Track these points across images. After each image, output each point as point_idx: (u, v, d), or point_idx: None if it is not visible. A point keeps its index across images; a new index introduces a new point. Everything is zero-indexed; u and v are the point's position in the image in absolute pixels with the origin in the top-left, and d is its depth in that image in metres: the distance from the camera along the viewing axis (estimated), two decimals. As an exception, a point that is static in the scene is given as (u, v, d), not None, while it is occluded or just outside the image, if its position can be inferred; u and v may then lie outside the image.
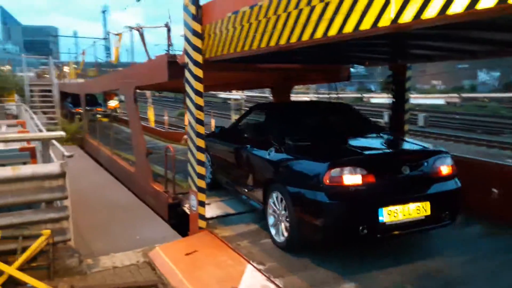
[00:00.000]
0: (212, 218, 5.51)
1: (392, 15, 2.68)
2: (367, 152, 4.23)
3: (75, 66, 16.65)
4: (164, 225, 6.00)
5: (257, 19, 3.94)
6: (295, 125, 5.06)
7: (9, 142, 4.36)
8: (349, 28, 3.00)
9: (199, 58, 4.97)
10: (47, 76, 22.12)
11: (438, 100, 16.42)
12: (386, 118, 25.70)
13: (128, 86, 7.87)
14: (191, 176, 5.22)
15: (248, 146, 5.19)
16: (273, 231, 4.58)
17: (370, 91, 53.98)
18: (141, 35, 7.88)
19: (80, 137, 14.08)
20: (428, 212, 4.03)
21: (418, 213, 3.99)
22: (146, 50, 7.96)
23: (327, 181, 3.79)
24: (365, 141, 4.73)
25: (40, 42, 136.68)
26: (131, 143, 8.88)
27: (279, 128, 4.82)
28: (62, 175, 4.13)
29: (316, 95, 17.79)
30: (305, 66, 7.03)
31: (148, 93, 24.71)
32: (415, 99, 15.07)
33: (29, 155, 4.32)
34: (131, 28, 8.00)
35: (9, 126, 6.92)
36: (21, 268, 3.72)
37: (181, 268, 4.28)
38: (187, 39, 5.07)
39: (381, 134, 5.08)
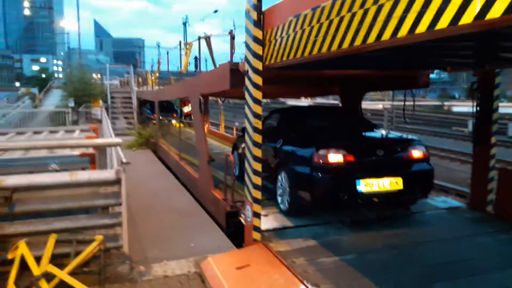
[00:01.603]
0: (268, 230, 5.25)
1: (477, 10, 2.22)
2: (349, 140, 5.60)
3: (151, 75, 17.44)
4: (220, 234, 5.85)
5: (319, 22, 3.63)
6: (299, 123, 6.37)
7: (65, 148, 4.48)
8: (422, 27, 2.58)
9: (259, 65, 4.76)
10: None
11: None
12: (470, 127, 24.05)
13: (194, 94, 7.94)
14: (247, 186, 5.02)
15: (266, 140, 5.59)
16: (279, 200, 5.90)
17: (453, 98, 50.33)
18: (208, 44, 7.89)
19: (154, 142, 14.65)
20: (401, 187, 5.25)
21: (391, 186, 5.23)
22: (212, 59, 7.97)
23: (316, 159, 5.17)
24: (353, 134, 6.07)
25: (128, 53, 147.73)
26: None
27: (287, 126, 6.05)
28: (117, 181, 4.14)
29: (391, 102, 16.78)
30: (377, 72, 6.52)
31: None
32: (506, 108, 13.54)
33: (89, 161, 4.40)
34: (199, 37, 8.03)
35: (82, 131, 7.27)
36: (73, 272, 3.75)
37: (230, 284, 4.07)
38: (247, 46, 4.90)
39: (373, 130, 6.40)
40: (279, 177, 5.83)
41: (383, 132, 6.50)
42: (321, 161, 5.13)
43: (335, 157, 5.14)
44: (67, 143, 4.52)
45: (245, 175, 5.03)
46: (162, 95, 13.37)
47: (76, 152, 4.50)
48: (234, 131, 14.99)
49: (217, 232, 5.94)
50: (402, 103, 7.62)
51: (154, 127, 15.40)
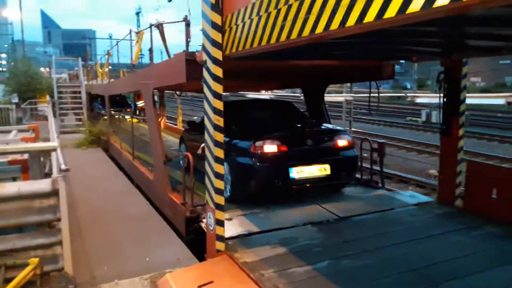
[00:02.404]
0: (232, 238, 4.78)
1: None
2: (281, 132, 5.91)
3: (101, 67, 16.33)
4: (180, 243, 5.32)
5: (287, 3, 3.16)
6: (239, 117, 6.54)
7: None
8: (391, 12, 2.20)
9: (218, 54, 4.24)
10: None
11: (497, 100, 15.08)
12: (423, 117, 24.88)
13: (147, 88, 7.29)
14: (208, 191, 4.51)
15: None
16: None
17: (405, 88, 51.68)
18: (161, 32, 7.25)
19: (105, 140, 13.72)
20: (328, 172, 5.87)
21: (320, 172, 5.84)
22: (166, 48, 7.35)
23: (253, 150, 5.60)
24: (286, 126, 6.42)
25: (78, 44, 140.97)
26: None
27: (228, 120, 5.85)
28: (54, 193, 3.50)
29: (352, 95, 16.71)
30: (341, 62, 6.18)
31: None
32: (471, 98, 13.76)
33: (20, 170, 3.72)
34: (151, 25, 7.35)
35: (20, 131, 6.45)
36: (1, 305, 3.12)
37: (192, 306, 3.57)
38: (205, 33, 4.36)
39: (305, 121, 6.88)
40: (224, 168, 6.10)
41: (314, 124, 6.95)
42: (258, 151, 5.61)
43: (270, 148, 5.64)
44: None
45: (205, 178, 4.53)
46: (113, 89, 12.48)
47: (5, 159, 3.79)
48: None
49: (175, 241, 5.40)
50: (359, 95, 7.40)
51: (106, 124, 14.44)
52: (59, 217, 3.52)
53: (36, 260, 3.36)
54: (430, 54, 5.86)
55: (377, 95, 7.25)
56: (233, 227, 5.07)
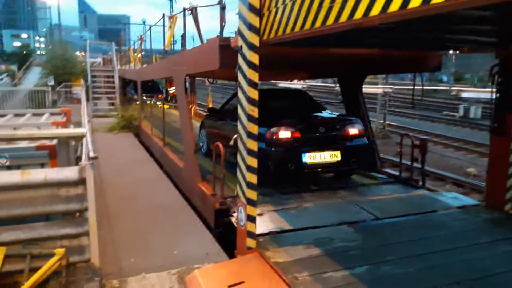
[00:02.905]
0: (264, 234, 4.55)
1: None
2: (295, 119, 6.13)
3: (134, 52, 16.34)
4: (209, 237, 5.14)
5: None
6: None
7: (15, 140, 3.65)
8: None
9: (255, 40, 3.97)
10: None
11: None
12: (461, 112, 23.84)
13: (179, 74, 7.10)
14: (239, 184, 4.28)
15: (228, 119, 6.86)
16: None
17: (440, 82, 49.63)
18: (195, 16, 7.00)
19: (137, 125, 13.75)
20: (339, 158, 6.04)
21: (331, 158, 6.02)
22: (199, 33, 7.10)
23: (268, 135, 5.84)
24: (300, 114, 6.61)
25: (113, 29, 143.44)
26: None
27: None
28: (81, 181, 3.35)
29: (391, 87, 16.01)
30: (384, 51, 5.77)
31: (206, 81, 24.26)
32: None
33: (48, 155, 3.60)
34: (184, 8, 7.12)
35: (52, 114, 6.40)
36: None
37: (220, 308, 3.38)
38: (241, 17, 4.09)
39: (319, 111, 7.02)
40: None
41: (327, 112, 7.08)
42: (273, 137, 5.87)
43: (284, 134, 5.92)
44: (14, 133, 3.69)
45: (237, 171, 4.30)
46: (145, 74, 12.41)
47: (33, 144, 3.68)
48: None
49: (204, 234, 5.22)
50: (395, 87, 6.95)
51: (137, 109, 14.46)
52: (86, 207, 3.38)
53: (62, 250, 3.24)
54: (484, 44, 5.37)
55: (418, 87, 6.79)
56: (264, 223, 4.83)
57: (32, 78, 31.41)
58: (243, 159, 4.16)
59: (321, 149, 5.97)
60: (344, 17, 2.72)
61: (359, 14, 2.57)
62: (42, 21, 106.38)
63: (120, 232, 5.11)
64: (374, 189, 6.55)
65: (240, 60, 4.12)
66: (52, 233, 3.34)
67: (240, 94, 4.18)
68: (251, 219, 4.15)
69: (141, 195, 6.67)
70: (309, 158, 5.92)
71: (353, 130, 6.30)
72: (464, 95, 11.69)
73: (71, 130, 4.06)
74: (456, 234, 4.69)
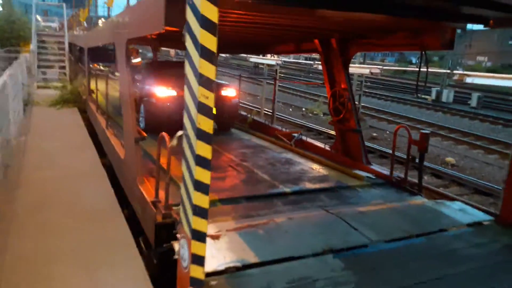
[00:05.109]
0: (217, 273, 3.17)
1: None
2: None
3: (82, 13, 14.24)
4: (139, 266, 3.70)
5: None
6: (153, 72, 9.14)
7: None
8: None
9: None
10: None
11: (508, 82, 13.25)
12: (433, 95, 23.34)
13: (119, 39, 5.49)
14: (182, 204, 2.86)
15: (138, 83, 8.59)
16: (140, 121, 8.25)
17: (410, 63, 48.42)
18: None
19: (84, 99, 11.89)
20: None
21: None
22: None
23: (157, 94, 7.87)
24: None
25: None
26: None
27: (147, 73, 9.04)
28: None
29: (379, 67, 14.68)
30: (386, 18, 4.38)
31: (172, 51, 22.27)
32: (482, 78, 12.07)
33: None
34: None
35: None
36: None
37: None
38: None
39: None
40: (141, 107, 8.26)
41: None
42: (160, 95, 7.76)
43: (169, 92, 7.80)
44: None
45: (182, 184, 2.87)
46: (90, 41, 10.51)
47: None
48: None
49: (135, 261, 3.78)
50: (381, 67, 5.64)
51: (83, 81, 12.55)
52: None
53: None
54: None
55: (422, 69, 5.49)
56: (219, 252, 3.45)
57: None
58: (189, 169, 2.73)
59: None
60: None
61: None
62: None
63: (13, 257, 3.59)
64: (362, 194, 5.32)
65: (189, 13, 2.63)
66: None
67: (187, 69, 2.70)
68: (198, 260, 2.74)
69: (64, 196, 5.11)
70: None
71: (225, 93, 8.55)
72: (468, 80, 10.53)
73: None
74: (480, 271, 3.50)
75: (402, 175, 5.61)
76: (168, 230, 3.92)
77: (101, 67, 15.58)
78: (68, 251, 3.82)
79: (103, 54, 14.95)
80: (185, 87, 2.74)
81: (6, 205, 4.67)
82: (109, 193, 5.31)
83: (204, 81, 2.55)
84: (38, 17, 30.80)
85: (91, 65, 15.13)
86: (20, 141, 7.54)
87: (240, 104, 11.57)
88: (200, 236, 2.73)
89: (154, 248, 4.10)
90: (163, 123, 6.64)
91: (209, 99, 2.58)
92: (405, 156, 5.74)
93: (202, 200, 2.68)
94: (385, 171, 5.99)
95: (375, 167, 6.26)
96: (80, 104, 11.89)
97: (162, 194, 4.15)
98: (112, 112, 8.23)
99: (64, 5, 18.30)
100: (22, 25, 22.93)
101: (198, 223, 2.71)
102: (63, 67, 17.60)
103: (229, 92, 8.64)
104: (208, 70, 2.56)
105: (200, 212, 2.69)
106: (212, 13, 2.49)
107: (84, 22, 13.37)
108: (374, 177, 5.87)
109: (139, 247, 4.55)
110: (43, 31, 20.31)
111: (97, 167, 6.40)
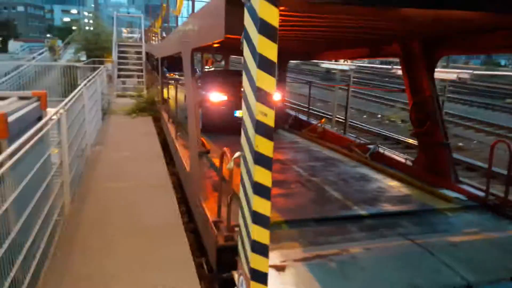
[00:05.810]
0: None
1: None
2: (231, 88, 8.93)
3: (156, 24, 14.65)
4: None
5: None
6: (209, 80, 9.91)
7: None
8: None
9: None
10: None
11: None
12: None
13: (185, 49, 5.34)
14: (241, 242, 2.49)
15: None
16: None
17: (498, 65, 45.20)
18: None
19: (158, 108, 12.16)
20: None
21: None
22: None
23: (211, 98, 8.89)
24: (235, 85, 8.70)
25: (159, 6, 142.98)
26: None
27: (203, 81, 9.67)
28: None
29: (466, 71, 13.34)
30: (481, 18, 3.69)
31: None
32: None
33: None
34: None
35: (21, 98, 4.85)
36: None
37: None
38: None
39: None
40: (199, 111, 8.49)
41: None
42: (214, 100, 8.80)
43: (222, 97, 8.83)
44: None
45: (240, 217, 2.50)
46: (163, 50, 10.71)
47: None
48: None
49: (190, 284, 3.48)
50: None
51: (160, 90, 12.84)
52: None
53: None
54: None
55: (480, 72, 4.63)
56: (283, 287, 3.04)
57: (72, 53, 30.87)
58: (246, 197, 2.36)
59: None
60: None
61: None
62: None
63: (72, 277, 3.47)
64: (452, 220, 4.57)
65: (247, 19, 2.27)
66: None
67: (244, 79, 2.34)
68: (257, 305, 2.36)
69: (127, 211, 5.00)
70: (239, 114, 7.95)
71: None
72: None
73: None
74: None
75: (499, 195, 4.77)
76: (230, 253, 3.59)
77: (177, 76, 15.98)
78: (122, 271, 3.63)
79: (179, 63, 15.24)
80: (243, 102, 2.39)
81: (73, 217, 4.69)
82: (173, 208, 5.13)
83: (262, 96, 2.17)
84: (123, 29, 32.95)
85: (167, 74, 15.60)
86: (94, 151, 7.75)
87: (311, 111, 11.07)
88: (259, 277, 2.34)
89: (217, 272, 3.80)
90: (216, 123, 8.34)
91: (268, 116, 2.19)
92: (500, 172, 4.88)
93: (262, 236, 2.29)
94: (478, 191, 5.16)
95: (466, 186, 5.42)
96: (155, 113, 12.19)
97: (224, 211, 3.84)
98: (181, 121, 8.19)
99: (142, 16, 19.13)
100: (106, 37, 24.48)
101: (257, 262, 2.32)
102: (141, 76, 18.40)
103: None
104: (267, 83, 2.18)
105: (259, 249, 2.30)
106: (272, 16, 2.10)
107: (160, 32, 13.73)
108: (465, 198, 5.07)
109: (202, 268, 4.31)
110: (125, 42, 21.41)
111: (164, 179, 6.29)
